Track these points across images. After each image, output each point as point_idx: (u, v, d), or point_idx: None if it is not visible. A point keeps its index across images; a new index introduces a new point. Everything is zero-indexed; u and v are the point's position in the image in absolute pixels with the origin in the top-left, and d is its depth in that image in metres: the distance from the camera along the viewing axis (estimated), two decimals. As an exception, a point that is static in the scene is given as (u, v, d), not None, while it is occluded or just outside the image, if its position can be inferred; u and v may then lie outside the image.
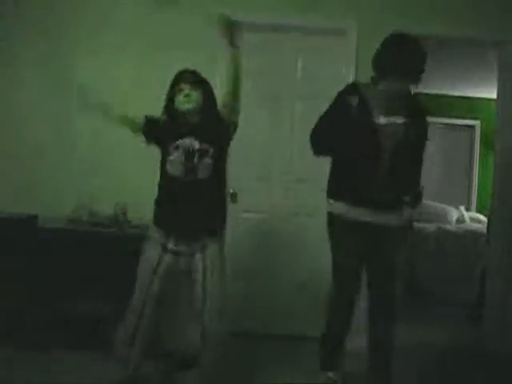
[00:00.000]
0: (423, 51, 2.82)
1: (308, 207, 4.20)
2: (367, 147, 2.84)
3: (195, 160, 2.66)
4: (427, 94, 7.20)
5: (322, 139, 2.99)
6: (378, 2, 4.10)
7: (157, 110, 4.06)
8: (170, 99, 2.85)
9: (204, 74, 4.02)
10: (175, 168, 2.72)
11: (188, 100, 2.77)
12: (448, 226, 6.59)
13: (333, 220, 3.03)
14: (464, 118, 7.77)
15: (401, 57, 2.80)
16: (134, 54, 4.14)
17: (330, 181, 3.10)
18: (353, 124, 2.84)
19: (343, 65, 4.11)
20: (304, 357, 3.70)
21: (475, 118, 7.75)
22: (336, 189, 3.02)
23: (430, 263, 6.04)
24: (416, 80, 2.81)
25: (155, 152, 4.07)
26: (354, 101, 2.85)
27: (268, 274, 4.23)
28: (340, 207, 2.97)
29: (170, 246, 2.73)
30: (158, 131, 2.81)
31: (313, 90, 4.18)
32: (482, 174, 7.69)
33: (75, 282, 3.66)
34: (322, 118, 3.02)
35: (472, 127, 7.87)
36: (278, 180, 4.25)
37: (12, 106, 4.17)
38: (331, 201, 3.04)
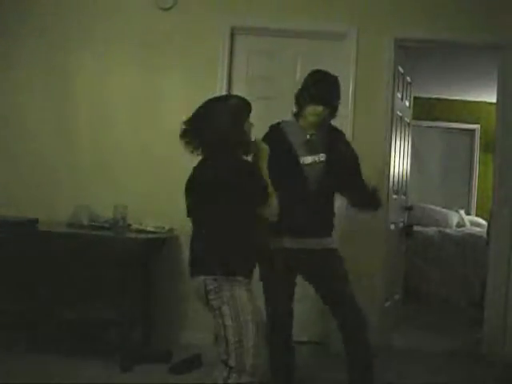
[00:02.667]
0: (334, 81, 3.02)
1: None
2: (295, 185, 2.94)
3: None
4: (427, 98, 7.24)
5: None
6: (378, 6, 4.10)
7: (155, 111, 4.12)
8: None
9: (204, 79, 4.08)
10: None
11: None
12: (448, 230, 6.59)
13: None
14: (464, 121, 7.77)
15: (314, 85, 2.99)
16: (134, 57, 4.14)
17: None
18: (280, 163, 2.88)
19: (343, 69, 4.11)
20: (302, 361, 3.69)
21: (475, 122, 7.75)
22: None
23: (429, 267, 6.04)
24: (328, 104, 2.93)
25: (155, 156, 4.12)
26: (279, 142, 2.98)
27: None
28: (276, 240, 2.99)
29: None
30: None
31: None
32: (481, 177, 7.68)
33: (75, 285, 3.66)
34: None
35: (472, 131, 7.87)
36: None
37: (12, 110, 4.17)
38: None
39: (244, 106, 2.53)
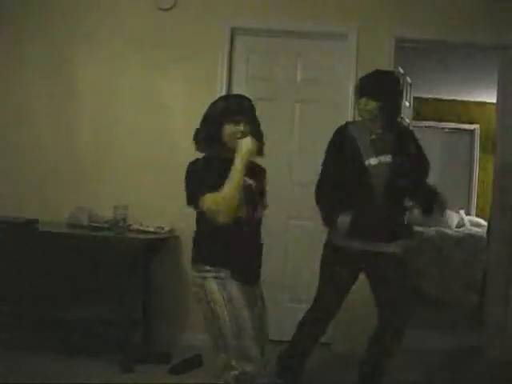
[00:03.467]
0: (384, 75, 3.04)
1: (308, 211, 4.19)
2: (360, 187, 2.93)
3: None
4: (427, 99, 7.24)
5: (329, 191, 3.04)
6: (378, 6, 4.10)
7: (155, 111, 4.13)
8: None
9: (205, 80, 4.08)
10: None
11: None
12: (448, 230, 6.59)
13: (329, 249, 3.11)
14: (464, 122, 7.78)
15: (361, 78, 3.03)
16: (135, 57, 4.14)
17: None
18: (345, 165, 2.95)
19: (343, 69, 4.11)
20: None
21: (475, 122, 7.76)
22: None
23: (429, 267, 6.04)
24: (370, 94, 2.91)
25: (155, 156, 4.11)
26: (344, 144, 2.98)
27: (267, 278, 4.21)
28: (337, 238, 3.02)
29: None
30: None
31: (313, 94, 4.19)
32: (481, 178, 7.69)
33: (75, 285, 3.65)
34: (324, 169, 3.10)
35: (472, 131, 7.88)
36: (278, 183, 4.24)
37: (13, 110, 4.17)
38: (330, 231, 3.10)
39: (224, 108, 2.41)
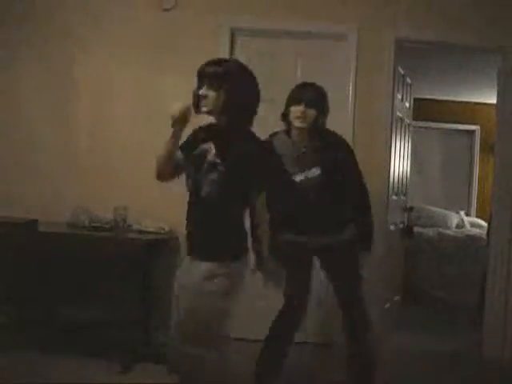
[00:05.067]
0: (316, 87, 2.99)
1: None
2: (291, 201, 2.93)
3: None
4: (428, 100, 7.23)
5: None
6: (379, 7, 4.10)
7: (155, 112, 4.12)
8: None
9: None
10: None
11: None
12: (448, 231, 6.59)
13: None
14: (464, 123, 7.78)
15: (293, 89, 2.99)
16: (135, 57, 4.15)
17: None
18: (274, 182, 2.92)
19: (343, 70, 4.11)
20: (303, 362, 3.69)
21: (475, 123, 7.76)
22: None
23: (429, 268, 6.04)
24: (308, 103, 2.89)
25: (155, 157, 4.10)
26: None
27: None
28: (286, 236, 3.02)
29: None
30: None
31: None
32: (481, 178, 7.69)
33: (75, 286, 3.66)
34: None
35: (472, 132, 7.88)
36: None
37: (12, 110, 4.18)
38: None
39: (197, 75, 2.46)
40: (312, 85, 3.01)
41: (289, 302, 3.10)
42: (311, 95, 2.92)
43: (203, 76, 2.41)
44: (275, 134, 3.10)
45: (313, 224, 3.00)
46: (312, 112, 2.88)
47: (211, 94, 2.38)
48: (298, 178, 2.92)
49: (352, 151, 3.10)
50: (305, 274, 3.13)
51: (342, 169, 2.98)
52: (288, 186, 2.93)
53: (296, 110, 2.90)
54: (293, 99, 2.94)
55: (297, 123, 2.91)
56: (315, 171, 2.92)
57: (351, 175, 3.03)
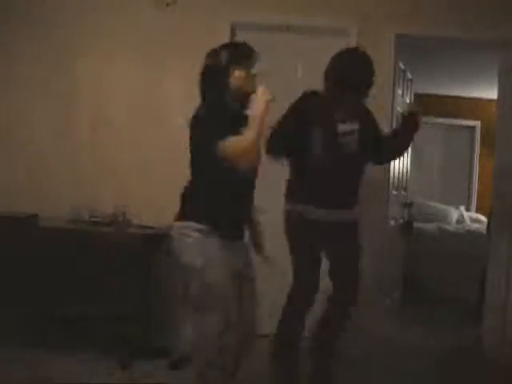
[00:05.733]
0: (372, 65, 3.03)
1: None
2: (328, 152, 2.99)
3: None
4: (428, 95, 7.22)
5: (280, 141, 3.09)
6: (379, 2, 4.10)
7: (156, 110, 4.12)
8: None
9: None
10: None
11: None
12: (448, 226, 6.59)
13: (292, 219, 3.13)
14: (464, 118, 7.77)
15: (351, 71, 3.02)
16: (135, 55, 4.14)
17: (290, 183, 3.23)
18: (314, 130, 3.01)
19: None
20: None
21: (476, 119, 7.75)
22: (297, 191, 3.15)
23: (429, 263, 6.04)
24: (365, 94, 3.04)
25: (155, 153, 4.12)
26: (316, 107, 3.08)
27: (267, 275, 4.21)
28: (300, 208, 3.07)
29: None
30: None
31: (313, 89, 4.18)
32: (481, 174, 7.68)
33: (75, 281, 3.66)
34: (282, 121, 3.14)
35: (472, 128, 7.87)
36: (278, 182, 4.24)
37: (12, 107, 4.17)
38: (290, 202, 3.16)
39: (231, 54, 2.46)
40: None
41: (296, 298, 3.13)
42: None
43: None
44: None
45: (339, 191, 3.01)
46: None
47: None
48: (341, 127, 3.02)
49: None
50: (314, 267, 3.12)
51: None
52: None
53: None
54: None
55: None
56: (355, 125, 3.05)
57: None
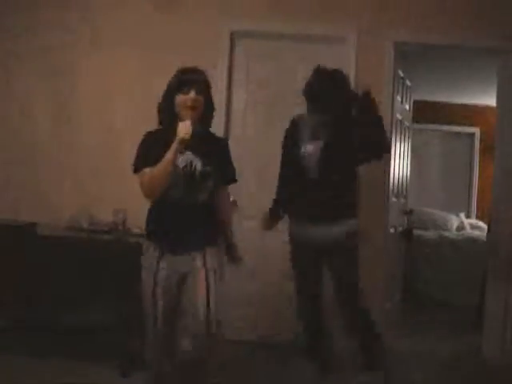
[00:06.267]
0: (325, 79, 3.25)
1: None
2: (297, 171, 3.27)
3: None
4: (427, 102, 7.23)
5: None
6: (378, 10, 4.10)
7: (155, 115, 4.11)
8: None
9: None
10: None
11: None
12: (448, 233, 6.58)
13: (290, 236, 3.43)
14: (464, 125, 7.78)
15: (306, 86, 3.33)
16: (134, 60, 4.14)
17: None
18: (288, 152, 3.34)
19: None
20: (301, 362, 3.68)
21: (475, 126, 7.76)
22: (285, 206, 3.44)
23: (430, 270, 6.03)
24: (323, 108, 3.25)
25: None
26: (290, 132, 3.39)
27: (269, 280, 4.21)
28: (291, 224, 3.40)
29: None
30: None
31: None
32: (481, 180, 7.68)
33: (74, 289, 3.65)
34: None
35: (472, 134, 7.88)
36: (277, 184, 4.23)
37: (12, 113, 4.17)
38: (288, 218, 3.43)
39: (176, 80, 2.55)
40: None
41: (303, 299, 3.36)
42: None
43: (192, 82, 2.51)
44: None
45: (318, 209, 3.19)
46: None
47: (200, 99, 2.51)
48: (308, 146, 3.22)
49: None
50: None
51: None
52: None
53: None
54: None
55: None
56: (320, 144, 3.21)
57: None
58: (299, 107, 4.19)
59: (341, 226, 3.21)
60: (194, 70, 2.53)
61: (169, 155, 2.36)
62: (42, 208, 4.01)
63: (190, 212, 2.53)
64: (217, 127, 4.07)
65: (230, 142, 4.17)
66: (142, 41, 4.13)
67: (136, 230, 3.80)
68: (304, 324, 3.44)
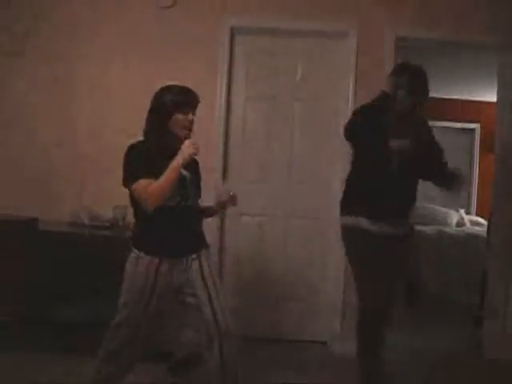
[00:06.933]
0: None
1: (308, 209, 4.21)
2: (382, 164, 3.00)
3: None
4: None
5: (357, 127, 3.09)
6: (379, 5, 4.10)
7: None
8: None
9: (204, 80, 4.08)
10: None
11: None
12: (448, 229, 6.58)
13: (355, 235, 3.09)
14: (464, 121, 7.77)
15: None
16: (134, 56, 4.14)
17: (348, 196, 3.20)
18: (378, 137, 2.96)
19: (343, 68, 4.11)
20: (300, 361, 3.70)
21: (475, 122, 7.75)
22: (356, 204, 3.11)
23: (429, 266, 6.03)
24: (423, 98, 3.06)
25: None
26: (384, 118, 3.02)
27: (267, 277, 4.23)
28: (361, 222, 3.04)
29: None
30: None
31: (312, 92, 4.20)
32: (481, 176, 7.68)
33: (75, 284, 3.65)
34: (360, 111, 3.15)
35: (472, 130, 7.88)
36: (278, 182, 4.24)
37: (12, 110, 4.17)
38: (351, 216, 3.11)
39: (174, 99, 2.54)
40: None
41: (366, 315, 3.07)
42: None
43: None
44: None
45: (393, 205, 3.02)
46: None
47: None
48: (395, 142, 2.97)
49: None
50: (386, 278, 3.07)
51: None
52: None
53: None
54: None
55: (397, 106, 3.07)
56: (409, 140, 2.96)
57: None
58: (299, 102, 4.23)
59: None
60: (190, 91, 2.59)
61: (176, 167, 2.43)
62: (44, 204, 4.01)
63: (185, 216, 2.64)
64: (217, 123, 4.11)
65: (229, 138, 4.24)
66: (142, 36, 4.12)
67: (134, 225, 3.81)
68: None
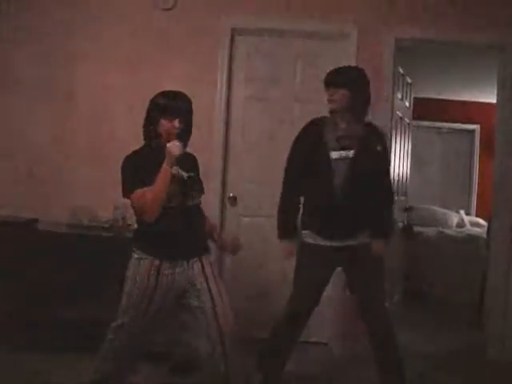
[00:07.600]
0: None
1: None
2: (323, 181, 3.00)
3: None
4: (428, 99, 7.23)
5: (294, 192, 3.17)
6: (378, 6, 4.10)
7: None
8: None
9: (204, 80, 4.08)
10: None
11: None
12: (448, 231, 6.59)
13: (303, 248, 3.12)
14: (464, 122, 7.78)
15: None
16: (134, 58, 4.14)
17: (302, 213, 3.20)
18: (311, 159, 3.01)
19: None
20: (300, 361, 3.69)
21: (475, 123, 7.75)
22: (305, 220, 3.14)
23: (430, 267, 6.03)
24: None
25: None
26: (313, 137, 3.03)
27: (267, 277, 4.22)
28: (309, 236, 3.08)
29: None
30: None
31: (312, 93, 4.19)
32: (481, 178, 7.68)
33: (74, 285, 3.65)
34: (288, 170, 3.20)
35: (472, 132, 7.88)
36: (278, 183, 4.23)
37: (10, 111, 4.17)
38: (303, 231, 3.13)
39: (161, 104, 2.58)
40: (342, 68, 3.13)
41: (293, 315, 3.12)
42: (337, 77, 3.02)
43: None
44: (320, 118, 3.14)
45: (340, 222, 2.99)
46: (339, 93, 2.94)
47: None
48: (334, 155, 2.95)
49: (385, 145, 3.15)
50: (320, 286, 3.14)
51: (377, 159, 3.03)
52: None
53: (327, 96, 3.00)
54: (325, 85, 3.03)
55: (329, 105, 3.00)
56: (350, 153, 2.95)
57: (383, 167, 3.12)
58: (299, 103, 4.23)
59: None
60: (181, 96, 2.61)
61: (164, 171, 2.46)
62: (43, 204, 4.01)
63: (187, 217, 2.63)
64: (217, 123, 4.11)
65: (229, 139, 4.24)
66: (142, 37, 4.13)
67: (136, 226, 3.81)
68: None
